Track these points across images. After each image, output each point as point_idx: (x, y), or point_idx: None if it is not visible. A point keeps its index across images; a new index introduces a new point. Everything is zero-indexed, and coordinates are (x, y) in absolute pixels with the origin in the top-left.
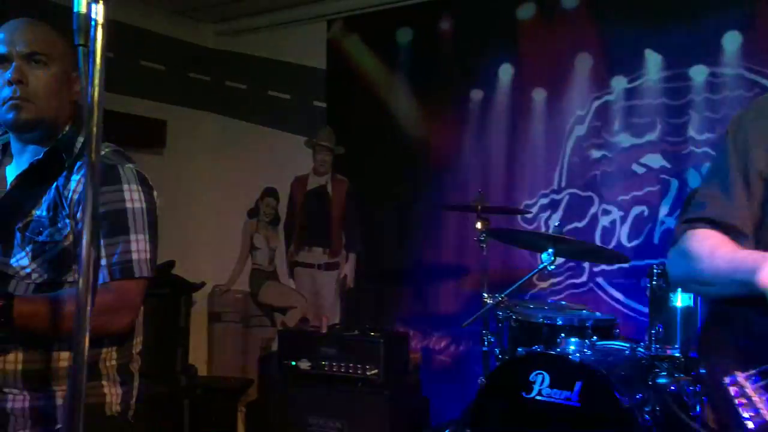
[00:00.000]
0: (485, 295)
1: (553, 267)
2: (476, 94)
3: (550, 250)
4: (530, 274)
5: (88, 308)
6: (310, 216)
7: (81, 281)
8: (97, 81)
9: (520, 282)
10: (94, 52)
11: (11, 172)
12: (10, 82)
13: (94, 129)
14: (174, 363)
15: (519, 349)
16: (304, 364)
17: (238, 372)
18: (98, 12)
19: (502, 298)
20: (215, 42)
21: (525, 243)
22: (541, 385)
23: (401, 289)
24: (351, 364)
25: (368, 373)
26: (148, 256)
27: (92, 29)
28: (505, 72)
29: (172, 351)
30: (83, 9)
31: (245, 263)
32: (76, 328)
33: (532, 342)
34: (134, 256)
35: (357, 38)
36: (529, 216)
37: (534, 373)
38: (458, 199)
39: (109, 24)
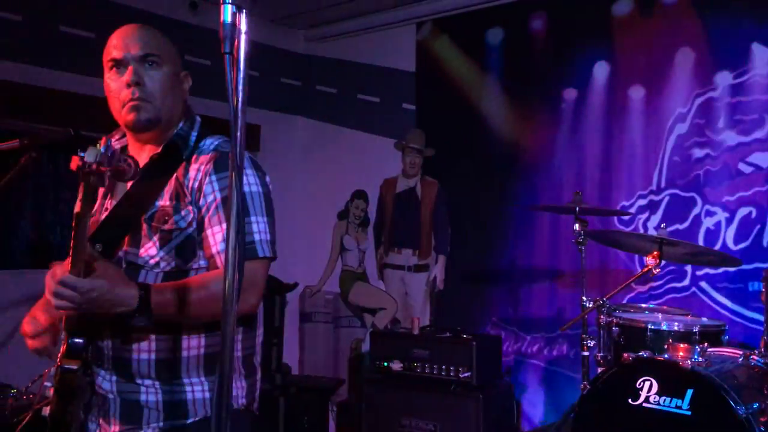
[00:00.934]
0: (584, 298)
1: (659, 270)
2: (570, 93)
3: (655, 253)
4: (634, 277)
5: (234, 298)
6: (399, 218)
7: (228, 274)
8: (241, 87)
9: (624, 285)
10: (238, 59)
11: None
12: (128, 85)
13: (239, 133)
14: (269, 362)
15: (624, 355)
16: (396, 365)
17: (328, 371)
18: (243, 21)
19: (603, 301)
20: (306, 48)
21: (627, 245)
22: (648, 391)
23: (492, 291)
24: (443, 366)
25: (461, 376)
26: (269, 238)
27: (237, 38)
28: (601, 70)
29: (268, 350)
30: (229, 18)
31: (335, 264)
32: (224, 315)
33: (636, 347)
34: (256, 237)
35: (446, 40)
36: (626, 218)
37: (641, 379)
38: (551, 200)
39: (207, 33)
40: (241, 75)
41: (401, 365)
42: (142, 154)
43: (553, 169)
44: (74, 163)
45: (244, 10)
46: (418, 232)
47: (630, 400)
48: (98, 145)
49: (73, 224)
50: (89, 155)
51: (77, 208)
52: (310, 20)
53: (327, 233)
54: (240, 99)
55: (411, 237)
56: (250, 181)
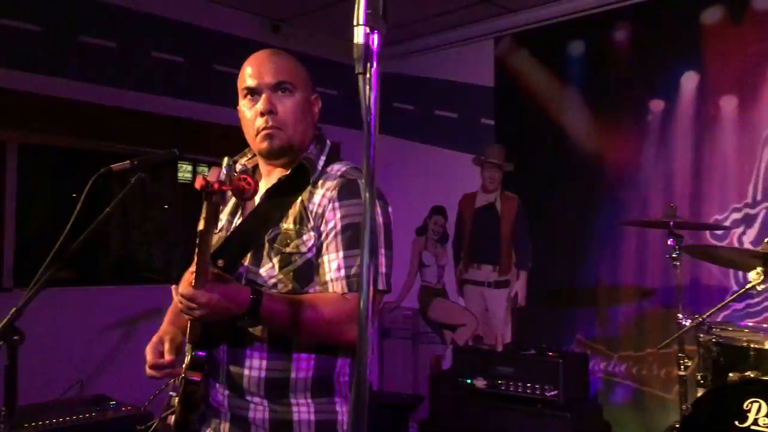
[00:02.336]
0: (680, 316)
1: (764, 287)
2: (656, 105)
3: (759, 269)
4: (737, 295)
5: (369, 322)
6: (478, 233)
7: (362, 297)
8: (374, 107)
9: (725, 302)
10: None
11: (261, 187)
12: (261, 113)
13: (371, 150)
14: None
15: (730, 375)
16: (480, 383)
17: (407, 388)
18: (375, 41)
19: (703, 319)
20: (383, 65)
21: (726, 260)
22: (757, 413)
23: (577, 308)
24: (528, 384)
25: (547, 394)
26: (385, 270)
27: (370, 58)
28: (689, 80)
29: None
30: (362, 39)
31: (414, 280)
32: (361, 338)
33: (738, 367)
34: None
35: (526, 53)
36: (719, 232)
37: (749, 401)
38: (637, 215)
39: (292, 54)
40: (375, 95)
41: (485, 382)
42: (272, 175)
43: (640, 182)
44: (198, 182)
45: (376, 31)
46: (497, 248)
47: (737, 422)
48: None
49: (197, 241)
50: (212, 175)
51: (200, 226)
52: (387, 38)
53: (406, 249)
54: (373, 119)
55: (491, 252)
56: (376, 211)
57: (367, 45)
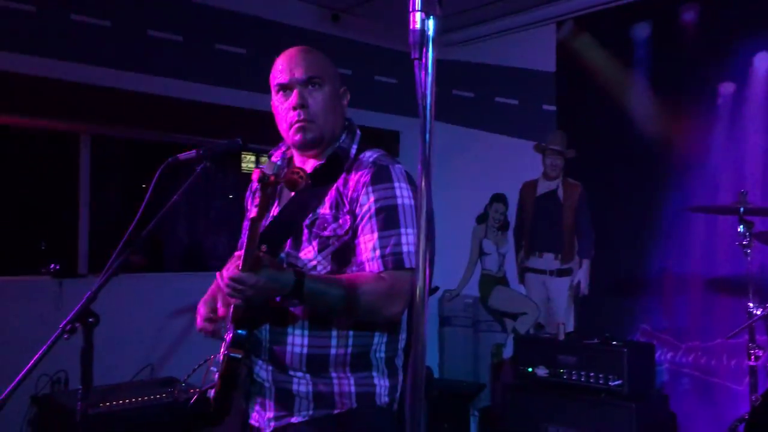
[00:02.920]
0: (750, 305)
1: None
2: (726, 88)
3: None
4: None
5: (424, 299)
6: (540, 221)
7: (419, 277)
8: (430, 92)
9: None
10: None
11: None
12: (293, 107)
13: (428, 136)
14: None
15: None
16: (542, 371)
17: (468, 376)
18: (430, 27)
19: None
20: (442, 53)
21: None
22: None
23: (641, 297)
24: (592, 374)
25: (611, 384)
26: (412, 249)
27: (426, 43)
28: (763, 61)
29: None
30: (418, 25)
31: (474, 268)
32: (415, 315)
33: None
34: (404, 248)
35: (588, 38)
36: None
37: None
38: (706, 201)
39: (346, 43)
40: (430, 80)
41: (546, 371)
42: (306, 165)
43: (709, 168)
44: (256, 175)
45: (432, 17)
46: (560, 236)
47: None
48: (269, 157)
49: (248, 227)
50: (268, 168)
51: (253, 214)
52: (446, 26)
53: (466, 237)
54: (429, 104)
55: (553, 240)
56: (404, 194)
57: (422, 30)
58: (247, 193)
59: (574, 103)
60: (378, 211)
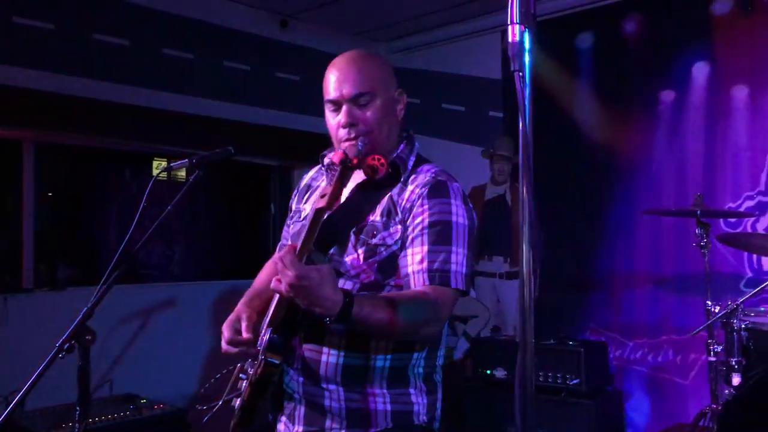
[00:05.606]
0: (709, 302)
1: None
2: (667, 95)
3: None
4: None
5: (531, 309)
6: (489, 225)
7: (526, 284)
8: (528, 102)
9: (758, 289)
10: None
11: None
12: (343, 126)
13: (529, 150)
14: None
15: None
16: (500, 373)
17: None
18: (528, 40)
19: (737, 306)
20: (389, 60)
21: (758, 248)
22: None
23: (590, 297)
24: (550, 374)
25: (569, 383)
26: (465, 271)
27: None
28: (700, 70)
29: None
30: (516, 38)
31: None
32: (521, 327)
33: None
34: (453, 267)
35: (534, 46)
36: (732, 220)
37: None
38: (650, 204)
39: (295, 49)
40: (528, 92)
41: (505, 373)
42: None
43: (652, 172)
44: (338, 156)
45: (528, 30)
46: (509, 239)
47: None
48: (321, 158)
49: (312, 216)
50: (350, 151)
51: (322, 203)
52: (393, 33)
53: None
54: (528, 115)
55: (502, 244)
56: (459, 212)
57: (521, 42)
58: (294, 192)
59: None
60: (431, 225)
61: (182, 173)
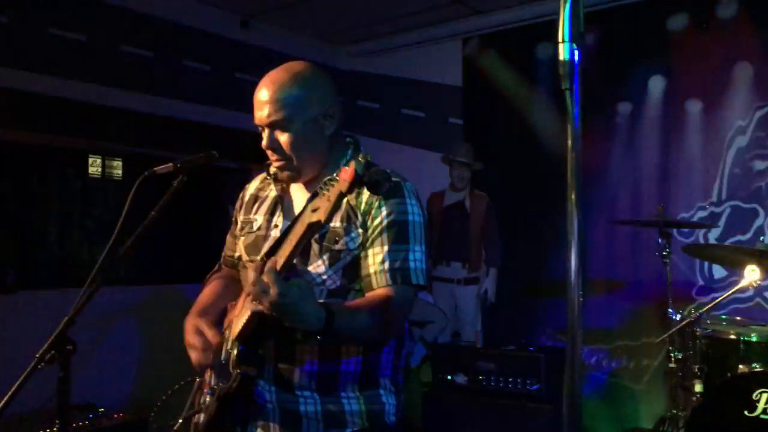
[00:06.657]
0: (670, 310)
1: (759, 283)
2: (624, 108)
3: (753, 267)
4: (735, 289)
5: (581, 315)
6: (447, 231)
7: (575, 291)
8: (577, 121)
9: (721, 297)
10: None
11: (294, 190)
12: (266, 149)
13: (578, 170)
14: None
15: (740, 366)
16: (460, 379)
17: None
18: (578, 56)
19: (701, 313)
20: (349, 63)
21: (720, 258)
22: (766, 403)
23: (546, 303)
24: (510, 379)
25: (530, 388)
26: (423, 266)
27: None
28: (656, 84)
29: None
30: (567, 56)
31: None
32: (571, 332)
33: (729, 359)
34: (412, 264)
35: (494, 55)
36: (685, 230)
37: (758, 391)
38: (607, 214)
39: (255, 50)
40: (578, 111)
41: (466, 378)
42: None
43: (608, 182)
44: (349, 174)
45: (577, 47)
46: (467, 245)
47: (746, 412)
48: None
49: (304, 230)
50: (358, 168)
51: (320, 216)
52: (354, 36)
53: None
54: (578, 135)
55: (460, 250)
56: (415, 210)
57: (572, 61)
58: (238, 203)
59: (480, 116)
60: (389, 225)
61: (119, 171)
